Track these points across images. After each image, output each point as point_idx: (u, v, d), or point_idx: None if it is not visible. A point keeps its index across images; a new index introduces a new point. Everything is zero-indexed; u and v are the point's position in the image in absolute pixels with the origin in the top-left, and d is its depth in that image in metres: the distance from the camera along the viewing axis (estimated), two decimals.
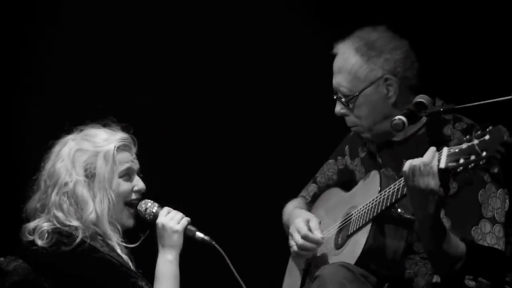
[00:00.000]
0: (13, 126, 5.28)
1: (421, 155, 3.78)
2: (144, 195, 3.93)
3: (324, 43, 4.21)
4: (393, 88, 4.04)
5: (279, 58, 5.43)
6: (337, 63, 4.08)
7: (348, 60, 4.04)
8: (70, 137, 3.87)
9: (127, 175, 3.87)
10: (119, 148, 3.85)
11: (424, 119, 4.06)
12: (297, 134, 5.46)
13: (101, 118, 3.92)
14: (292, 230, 4.21)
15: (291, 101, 5.44)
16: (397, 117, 3.93)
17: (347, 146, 4.42)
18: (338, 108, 4.08)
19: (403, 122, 3.92)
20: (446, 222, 3.83)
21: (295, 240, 4.16)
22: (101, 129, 3.89)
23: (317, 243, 4.14)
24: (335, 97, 4.09)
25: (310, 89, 4.83)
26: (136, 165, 3.92)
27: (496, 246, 3.85)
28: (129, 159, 3.89)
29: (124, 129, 3.93)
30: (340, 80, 4.05)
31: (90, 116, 3.92)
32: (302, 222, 4.18)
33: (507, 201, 3.94)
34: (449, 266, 3.79)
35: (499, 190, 3.91)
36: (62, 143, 3.86)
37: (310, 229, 4.15)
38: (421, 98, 3.95)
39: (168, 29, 5.44)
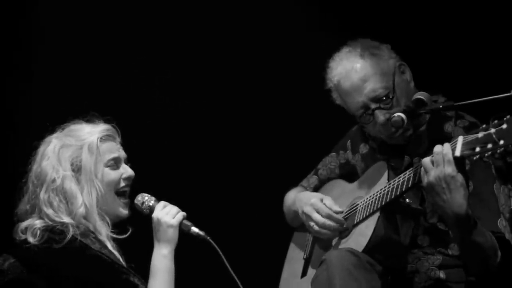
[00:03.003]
0: (3, 126, 5.28)
1: (422, 152, 3.78)
2: (138, 189, 3.92)
3: (321, 40, 4.21)
4: (408, 71, 4.11)
5: (279, 53, 5.42)
6: (356, 77, 4.04)
7: (365, 66, 4.04)
8: (53, 135, 3.88)
9: (113, 164, 3.87)
10: (103, 139, 3.85)
11: (427, 118, 4.06)
12: (293, 129, 5.44)
13: (83, 114, 3.92)
14: (308, 210, 4.21)
15: (287, 96, 5.43)
16: (396, 114, 3.94)
17: (349, 141, 4.44)
18: (382, 117, 4.01)
19: (402, 119, 3.92)
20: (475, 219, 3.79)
21: (315, 219, 4.16)
22: (83, 124, 3.90)
23: (340, 222, 4.14)
24: (371, 111, 4.04)
25: (307, 85, 4.82)
26: (122, 153, 3.91)
27: (511, 241, 3.87)
28: (114, 148, 3.89)
29: (107, 121, 3.92)
30: (372, 86, 4.02)
31: (73, 114, 3.93)
32: (319, 201, 4.20)
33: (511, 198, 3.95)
34: (487, 259, 3.77)
35: (502, 187, 3.92)
36: (46, 142, 3.86)
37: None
38: (420, 95, 3.95)
39: (157, 24, 5.44)
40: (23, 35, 5.32)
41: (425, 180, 3.67)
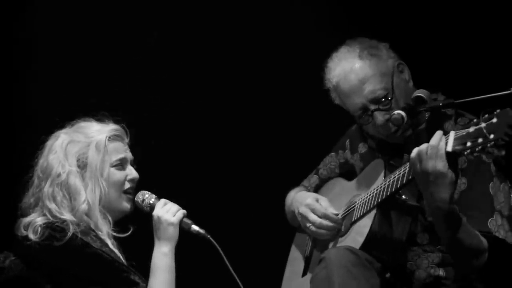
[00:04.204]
0: (6, 122, 5.26)
1: None
2: (137, 187, 3.92)
3: (321, 39, 4.21)
4: (407, 71, 4.10)
5: (278, 52, 5.41)
6: (355, 78, 4.03)
7: (364, 67, 4.03)
8: (62, 131, 3.89)
9: (119, 164, 3.87)
10: (111, 138, 3.86)
11: (427, 116, 4.07)
12: (294, 129, 5.43)
13: (93, 113, 3.93)
14: (304, 210, 4.21)
15: (288, 96, 5.42)
16: (396, 112, 3.92)
17: (347, 140, 4.44)
18: (381, 118, 4.01)
19: (402, 117, 3.91)
20: (462, 218, 3.78)
21: (312, 220, 4.17)
22: (93, 122, 3.91)
23: (337, 222, 4.13)
24: (370, 112, 4.03)
25: (307, 84, 4.82)
26: (129, 155, 3.92)
27: (507, 240, 3.86)
28: (121, 149, 3.89)
29: (117, 122, 3.93)
30: (372, 87, 4.01)
31: (83, 111, 3.95)
32: (315, 202, 4.20)
33: (511, 195, 3.94)
34: (471, 259, 3.77)
35: (502, 184, 3.92)
36: (54, 137, 3.87)
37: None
38: (420, 92, 3.93)
39: (163, 24, 5.44)
40: (24, 35, 5.32)
41: (417, 167, 3.65)
